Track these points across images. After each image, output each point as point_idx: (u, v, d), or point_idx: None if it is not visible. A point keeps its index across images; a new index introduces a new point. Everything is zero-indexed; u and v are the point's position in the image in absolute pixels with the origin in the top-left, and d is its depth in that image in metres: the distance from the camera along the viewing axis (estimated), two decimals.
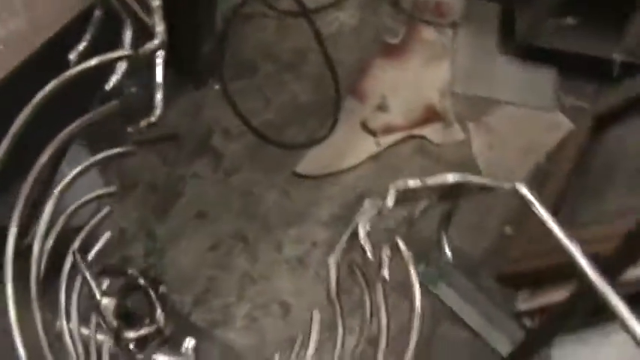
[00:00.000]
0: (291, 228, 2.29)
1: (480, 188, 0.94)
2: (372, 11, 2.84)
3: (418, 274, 1.42)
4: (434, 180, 0.93)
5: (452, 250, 1.85)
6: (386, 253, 0.99)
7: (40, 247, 0.96)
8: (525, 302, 2.13)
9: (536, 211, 0.84)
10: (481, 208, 2.33)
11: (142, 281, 1.10)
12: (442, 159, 2.48)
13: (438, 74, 2.73)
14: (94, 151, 1.18)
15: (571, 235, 0.83)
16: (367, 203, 0.98)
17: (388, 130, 2.54)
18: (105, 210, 1.16)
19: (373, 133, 2.52)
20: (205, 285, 2.15)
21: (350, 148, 2.48)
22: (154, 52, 0.98)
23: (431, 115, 2.60)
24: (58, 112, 0.94)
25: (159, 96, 1.01)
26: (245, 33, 2.64)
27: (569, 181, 2.29)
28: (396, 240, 1.00)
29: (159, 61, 0.99)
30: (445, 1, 2.79)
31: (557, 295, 1.90)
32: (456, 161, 2.48)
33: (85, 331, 1.05)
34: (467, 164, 2.46)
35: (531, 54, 2.74)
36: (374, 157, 2.47)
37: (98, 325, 1.06)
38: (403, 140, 2.51)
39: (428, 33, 2.83)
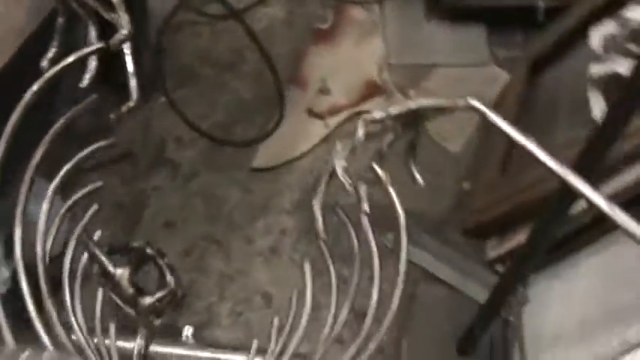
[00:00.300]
0: (257, 221, 2.34)
1: (438, 110, 1.00)
2: (299, 1, 2.90)
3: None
4: (397, 109, 0.98)
5: (415, 214, 1.92)
6: (363, 189, 1.04)
7: (42, 247, 1.01)
8: (494, 249, 2.20)
9: (491, 120, 0.90)
10: (434, 169, 2.39)
11: (149, 250, 1.14)
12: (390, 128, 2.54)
13: (372, 50, 2.80)
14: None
15: (528, 136, 0.87)
16: (339, 145, 1.04)
17: (334, 111, 2.60)
18: (94, 206, 1.21)
19: (320, 116, 2.58)
20: (185, 290, 2.18)
21: (300, 134, 2.53)
22: (123, 41, 1.05)
23: (372, 90, 2.66)
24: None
25: (133, 83, 1.07)
26: (180, 42, 2.69)
27: (515, 127, 2.36)
28: (371, 165, 1.05)
29: (127, 52, 1.05)
30: None
31: (523, 236, 1.97)
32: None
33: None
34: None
35: (458, 14, 2.82)
36: (325, 139, 2.52)
37: (104, 329, 1.10)
38: (350, 118, 2.57)
39: (356, 12, 2.89)
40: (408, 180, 1.16)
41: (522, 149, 2.14)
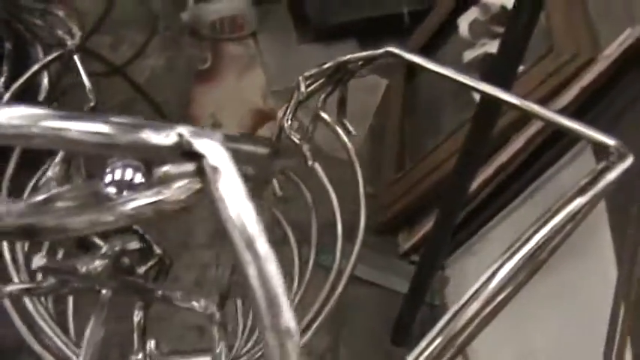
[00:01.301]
0: (178, 259, 2.38)
1: (362, 64, 1.09)
2: (176, 47, 2.97)
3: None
4: (327, 65, 1.07)
5: (326, 225, 2.00)
6: (306, 147, 1.12)
7: None
8: (406, 241, 2.29)
9: (409, 60, 0.97)
10: (335, 180, 2.47)
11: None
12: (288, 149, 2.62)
13: (253, 81, 2.89)
14: None
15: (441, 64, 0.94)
16: (281, 110, 1.12)
17: None
18: None
19: None
20: (119, 342, 2.21)
21: None
22: (79, 47, 1.12)
23: (261, 117, 2.74)
24: None
25: (88, 85, 1.15)
26: (68, 105, 2.71)
27: (403, 126, 2.49)
28: (318, 113, 1.13)
29: (77, 59, 1.13)
30: (238, 15, 2.95)
31: (430, 222, 2.08)
32: None
33: None
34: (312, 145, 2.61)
35: (328, 34, 2.92)
36: None
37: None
38: None
39: (233, 49, 2.98)
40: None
41: (414, 153, 2.24)
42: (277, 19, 3.05)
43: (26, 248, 1.06)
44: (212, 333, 1.01)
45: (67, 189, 0.59)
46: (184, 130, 0.46)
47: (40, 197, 0.53)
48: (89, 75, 2.73)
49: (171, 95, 2.80)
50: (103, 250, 0.91)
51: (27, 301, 1.00)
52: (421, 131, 2.42)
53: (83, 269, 0.83)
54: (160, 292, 0.99)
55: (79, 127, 0.45)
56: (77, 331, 1.21)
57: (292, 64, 2.93)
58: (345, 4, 2.85)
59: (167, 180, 0.51)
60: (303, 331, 1.15)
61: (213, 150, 0.46)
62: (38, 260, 0.74)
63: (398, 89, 2.61)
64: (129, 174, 0.64)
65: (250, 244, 0.45)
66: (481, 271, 1.81)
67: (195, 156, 0.46)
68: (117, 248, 0.92)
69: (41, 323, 1.01)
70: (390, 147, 2.46)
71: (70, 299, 1.22)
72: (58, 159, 1.02)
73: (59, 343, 1.02)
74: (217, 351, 0.98)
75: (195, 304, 1.02)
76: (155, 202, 0.50)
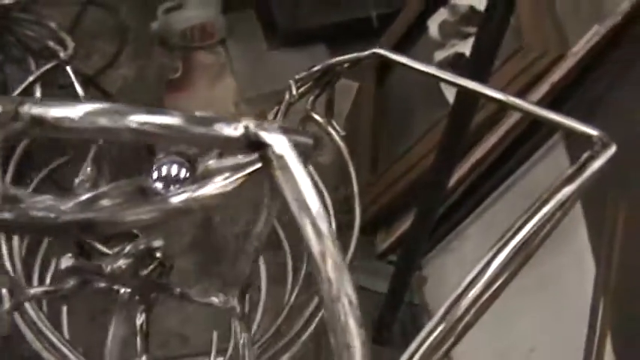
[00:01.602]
0: None
1: (349, 66, 1.11)
2: (146, 57, 2.96)
3: None
4: (316, 68, 1.10)
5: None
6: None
7: None
8: (383, 242, 2.32)
9: (395, 59, 0.99)
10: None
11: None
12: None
13: (225, 88, 2.89)
14: None
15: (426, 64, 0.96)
16: (271, 113, 1.14)
17: None
18: None
19: None
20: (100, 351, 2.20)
21: None
22: (72, 57, 1.14)
23: None
24: None
25: (82, 93, 1.17)
26: None
27: (376, 128, 2.51)
28: (310, 114, 1.16)
29: (69, 69, 1.15)
30: (207, 23, 2.95)
31: (407, 222, 2.10)
32: None
33: None
34: None
35: (297, 40, 2.94)
36: None
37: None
38: (221, 155, 2.64)
39: (203, 57, 2.99)
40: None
41: (387, 155, 2.25)
42: (246, 26, 3.06)
43: (23, 254, 1.08)
44: (234, 326, 1.03)
45: (111, 187, 0.61)
46: (250, 123, 0.51)
47: (85, 196, 0.56)
48: (62, 86, 2.75)
49: (144, 104, 2.79)
50: (126, 250, 0.94)
51: (27, 305, 1.01)
52: (394, 133, 2.44)
53: (108, 269, 0.86)
54: (178, 290, 1.01)
55: (159, 121, 0.54)
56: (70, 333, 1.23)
57: (263, 70, 2.95)
58: (313, 10, 2.86)
59: (210, 174, 0.54)
60: (292, 340, 1.18)
61: (277, 140, 0.51)
62: (66, 260, 0.76)
63: (369, 92, 2.62)
64: (175, 170, 0.67)
65: (314, 223, 0.50)
66: (459, 268, 1.86)
67: (260, 145, 0.52)
68: (141, 247, 0.95)
69: (43, 328, 1.03)
70: (364, 149, 2.47)
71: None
72: (87, 162, 1.06)
73: (64, 349, 1.03)
74: (241, 342, 1.01)
75: (214, 299, 1.04)
76: (201, 195, 0.54)
